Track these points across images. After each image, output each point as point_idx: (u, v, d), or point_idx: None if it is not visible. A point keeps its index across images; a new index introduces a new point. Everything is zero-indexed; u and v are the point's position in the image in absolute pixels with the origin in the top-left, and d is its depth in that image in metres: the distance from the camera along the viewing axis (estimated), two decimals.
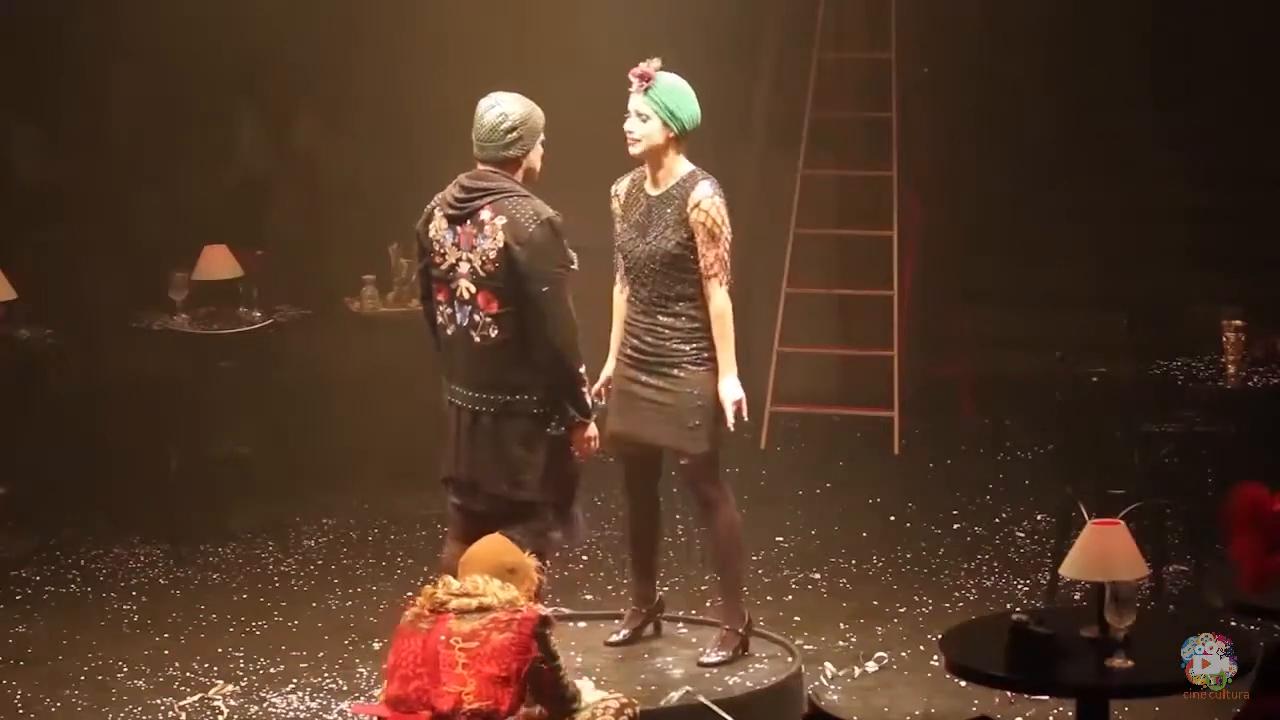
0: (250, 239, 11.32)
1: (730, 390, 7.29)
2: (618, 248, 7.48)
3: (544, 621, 5.81)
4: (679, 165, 7.33)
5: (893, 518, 10.40)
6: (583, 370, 7.02)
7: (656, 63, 7.30)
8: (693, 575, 9.30)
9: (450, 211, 7.03)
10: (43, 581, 9.68)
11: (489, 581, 5.85)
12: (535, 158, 7.11)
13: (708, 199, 7.25)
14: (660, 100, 7.24)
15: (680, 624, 7.96)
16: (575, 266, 7.04)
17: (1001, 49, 12.78)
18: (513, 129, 7.03)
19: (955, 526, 10.19)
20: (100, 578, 9.71)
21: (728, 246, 7.29)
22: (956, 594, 9.16)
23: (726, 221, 7.28)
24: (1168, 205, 12.65)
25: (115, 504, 10.60)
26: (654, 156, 7.32)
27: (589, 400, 7.07)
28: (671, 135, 7.27)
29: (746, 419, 7.42)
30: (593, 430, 7.08)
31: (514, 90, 7.16)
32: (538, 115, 7.11)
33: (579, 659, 7.42)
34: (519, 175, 7.06)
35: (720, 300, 7.28)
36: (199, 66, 12.24)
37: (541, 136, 7.11)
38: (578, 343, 6.99)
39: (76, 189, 12.03)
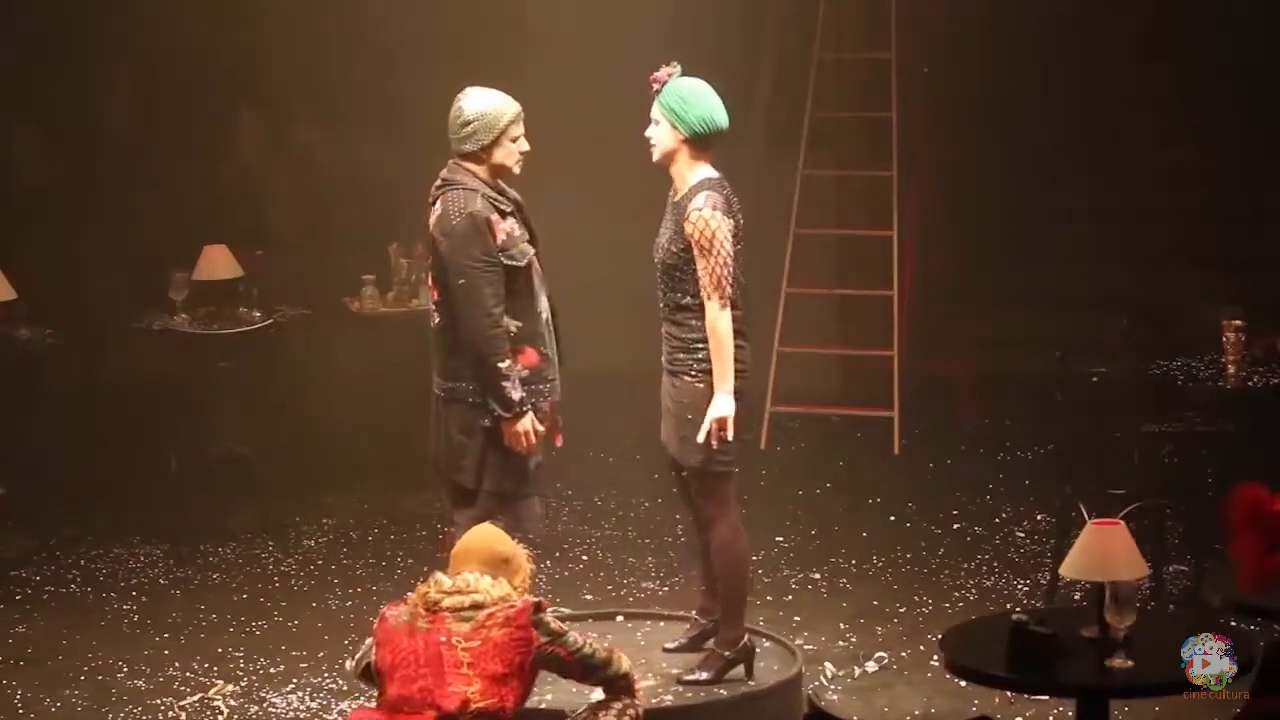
0: (250, 239, 11.31)
1: (716, 406, 7.07)
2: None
3: (536, 608, 5.81)
4: (693, 172, 7.17)
5: (893, 518, 10.40)
6: (504, 365, 6.97)
7: (673, 68, 7.19)
8: (693, 575, 9.27)
9: (430, 201, 7.15)
10: (43, 581, 9.67)
11: (479, 579, 5.83)
12: (502, 154, 7.07)
13: (697, 211, 7.06)
14: (667, 104, 7.14)
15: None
16: (520, 264, 7.03)
17: (1001, 49, 12.76)
18: (467, 123, 7.05)
19: (955, 526, 10.18)
20: (100, 578, 9.70)
21: (724, 262, 7.03)
22: (956, 594, 9.16)
23: (719, 237, 7.03)
24: (1168, 205, 12.64)
25: (115, 504, 10.60)
26: (670, 161, 7.20)
27: (512, 395, 6.99)
28: (682, 138, 7.14)
29: (730, 440, 7.10)
30: (523, 425, 7.01)
31: (511, 89, 7.15)
32: (500, 111, 7.06)
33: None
34: (483, 170, 7.07)
35: (712, 315, 7.05)
36: (198, 66, 12.24)
37: (511, 133, 7.07)
38: (497, 338, 6.96)
39: (76, 189, 12.03)
